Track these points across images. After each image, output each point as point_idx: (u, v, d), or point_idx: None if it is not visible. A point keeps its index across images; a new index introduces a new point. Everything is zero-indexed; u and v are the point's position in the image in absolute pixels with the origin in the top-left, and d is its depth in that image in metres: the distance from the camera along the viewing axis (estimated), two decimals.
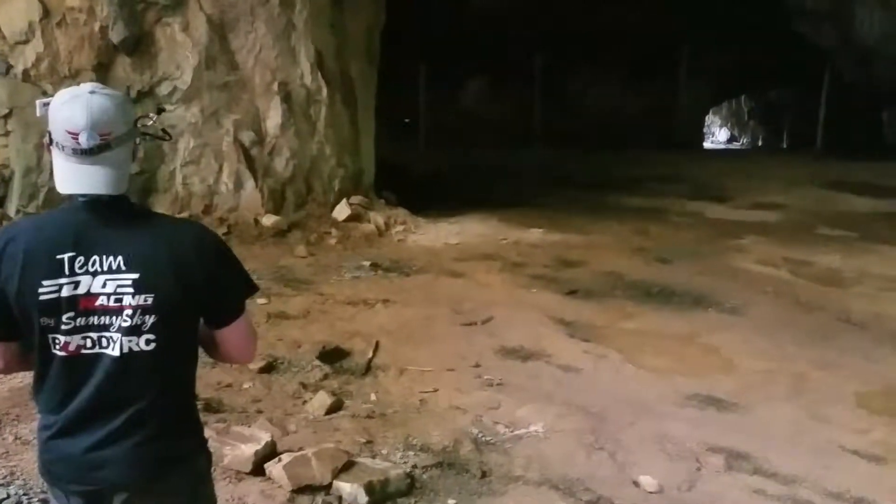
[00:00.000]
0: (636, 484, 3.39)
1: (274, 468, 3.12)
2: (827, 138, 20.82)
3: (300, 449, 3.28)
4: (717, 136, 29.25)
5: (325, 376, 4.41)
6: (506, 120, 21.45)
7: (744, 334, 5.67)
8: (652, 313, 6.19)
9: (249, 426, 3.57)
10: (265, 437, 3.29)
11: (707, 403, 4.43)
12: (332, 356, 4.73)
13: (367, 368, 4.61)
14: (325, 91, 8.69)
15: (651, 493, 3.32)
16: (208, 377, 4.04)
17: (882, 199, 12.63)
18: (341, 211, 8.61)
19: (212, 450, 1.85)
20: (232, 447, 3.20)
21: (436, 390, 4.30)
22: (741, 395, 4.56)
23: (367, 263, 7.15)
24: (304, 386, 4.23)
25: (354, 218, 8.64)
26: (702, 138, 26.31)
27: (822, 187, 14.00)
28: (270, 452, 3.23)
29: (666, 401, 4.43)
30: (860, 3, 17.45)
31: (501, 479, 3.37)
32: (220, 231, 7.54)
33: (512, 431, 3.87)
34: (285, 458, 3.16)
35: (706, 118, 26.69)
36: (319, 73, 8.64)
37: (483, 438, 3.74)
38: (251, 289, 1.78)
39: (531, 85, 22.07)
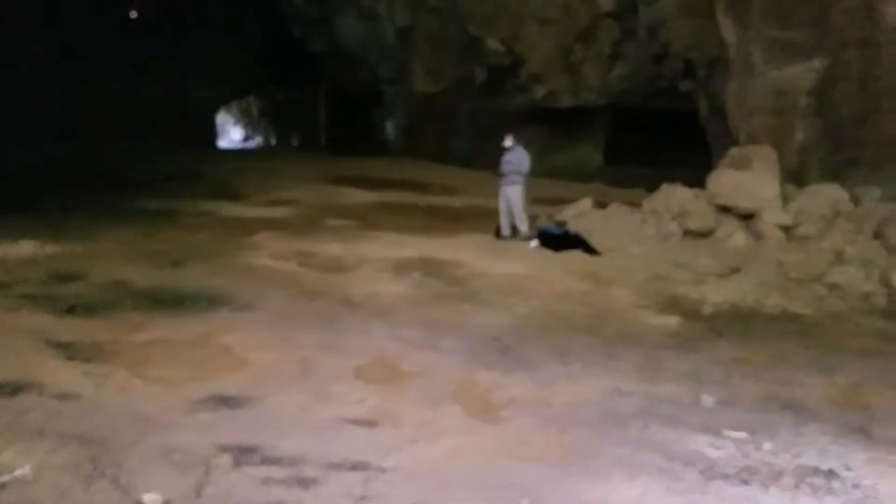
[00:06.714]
0: None
1: None
2: (330, 138, 22.99)
3: None
4: (232, 134, 29.72)
5: None
6: None
7: (255, 329, 5.80)
8: (163, 321, 5.92)
9: None
10: None
11: (219, 404, 4.38)
12: None
13: None
14: None
15: None
16: None
17: (378, 191, 14.49)
18: None
19: None
20: None
21: None
22: (253, 389, 4.63)
23: None
24: None
25: None
26: (217, 136, 26.48)
27: (329, 183, 15.41)
28: None
29: (175, 410, 4.24)
30: (342, 13, 19.55)
31: None
32: None
33: None
34: None
35: (218, 117, 26.89)
36: None
37: None
38: None
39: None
